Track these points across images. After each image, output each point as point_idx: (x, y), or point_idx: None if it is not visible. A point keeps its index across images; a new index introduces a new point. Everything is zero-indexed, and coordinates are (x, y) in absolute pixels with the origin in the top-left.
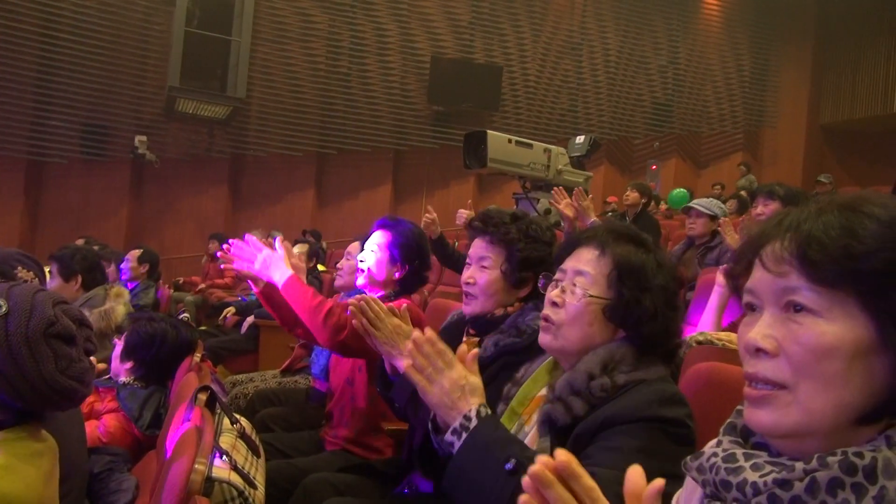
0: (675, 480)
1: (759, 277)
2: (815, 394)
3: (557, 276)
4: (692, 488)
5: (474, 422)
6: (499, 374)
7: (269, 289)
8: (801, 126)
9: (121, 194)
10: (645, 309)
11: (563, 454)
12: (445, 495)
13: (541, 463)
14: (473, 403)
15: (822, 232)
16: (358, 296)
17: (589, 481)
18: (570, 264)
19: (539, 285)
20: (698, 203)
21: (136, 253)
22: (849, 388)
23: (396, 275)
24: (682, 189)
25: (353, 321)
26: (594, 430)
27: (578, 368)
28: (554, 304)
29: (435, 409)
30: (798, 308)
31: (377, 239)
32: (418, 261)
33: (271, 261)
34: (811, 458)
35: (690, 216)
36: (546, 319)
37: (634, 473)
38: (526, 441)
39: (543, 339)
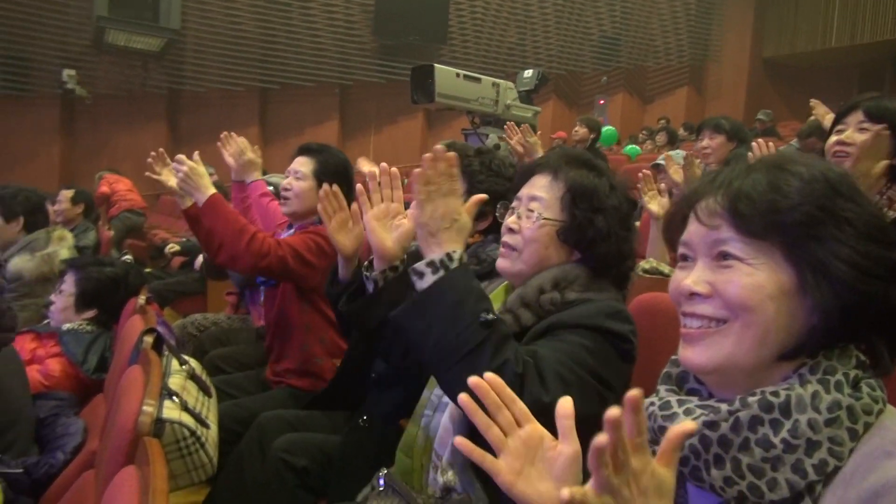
0: (608, 390)
1: (693, 231)
2: (744, 329)
3: (514, 203)
4: None
5: (456, 263)
6: None
7: (196, 208)
8: (744, 60)
9: (51, 133)
10: (598, 229)
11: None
12: (394, 322)
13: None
14: (457, 247)
15: (750, 188)
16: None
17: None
18: (525, 191)
19: (497, 214)
20: (674, 155)
21: (69, 193)
22: (774, 326)
23: None
24: (610, 127)
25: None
26: (541, 333)
27: (530, 283)
28: (510, 230)
29: (418, 229)
30: (728, 257)
31: (300, 165)
32: (346, 187)
33: (193, 178)
34: (734, 401)
35: (661, 172)
36: (504, 245)
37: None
38: None
39: (502, 263)
